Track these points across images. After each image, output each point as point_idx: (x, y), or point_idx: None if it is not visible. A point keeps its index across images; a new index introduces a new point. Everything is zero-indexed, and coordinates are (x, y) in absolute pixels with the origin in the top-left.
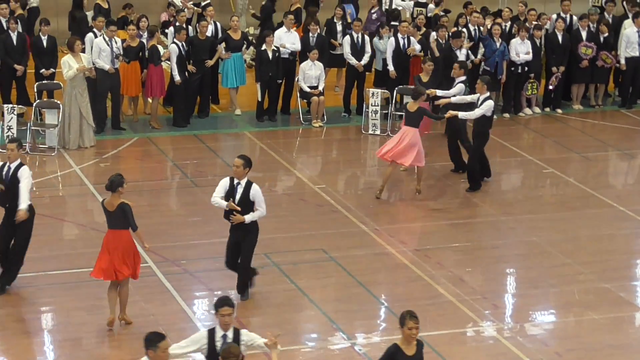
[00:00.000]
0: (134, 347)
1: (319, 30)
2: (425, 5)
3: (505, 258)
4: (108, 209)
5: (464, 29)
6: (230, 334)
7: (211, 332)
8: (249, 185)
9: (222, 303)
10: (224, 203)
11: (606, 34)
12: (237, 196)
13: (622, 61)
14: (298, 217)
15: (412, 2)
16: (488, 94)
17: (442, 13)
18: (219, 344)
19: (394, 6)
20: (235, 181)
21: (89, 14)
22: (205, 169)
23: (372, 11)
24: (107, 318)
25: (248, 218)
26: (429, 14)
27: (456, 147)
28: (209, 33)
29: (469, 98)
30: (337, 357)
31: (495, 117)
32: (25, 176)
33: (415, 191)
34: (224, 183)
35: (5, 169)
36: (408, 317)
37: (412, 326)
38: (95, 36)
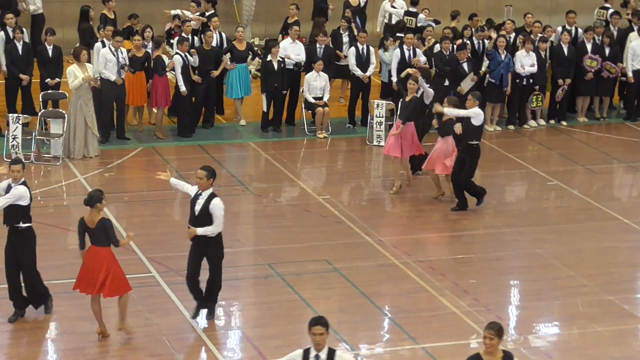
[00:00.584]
0: (137, 357)
1: (326, 42)
2: (415, 14)
3: (509, 270)
4: (89, 225)
5: (468, 41)
6: (323, 355)
7: (306, 352)
8: (210, 197)
9: (315, 322)
10: (183, 185)
11: (616, 55)
12: (198, 207)
13: (630, 74)
14: (302, 227)
15: (403, 11)
16: (477, 109)
17: (449, 27)
18: None
19: (393, 20)
20: (198, 192)
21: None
22: None
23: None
24: (98, 329)
25: (200, 231)
26: (419, 24)
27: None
28: (213, 43)
29: (463, 112)
30: None
31: (496, 129)
32: (11, 192)
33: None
34: (193, 190)
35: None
36: (486, 327)
37: (486, 335)
38: (104, 45)
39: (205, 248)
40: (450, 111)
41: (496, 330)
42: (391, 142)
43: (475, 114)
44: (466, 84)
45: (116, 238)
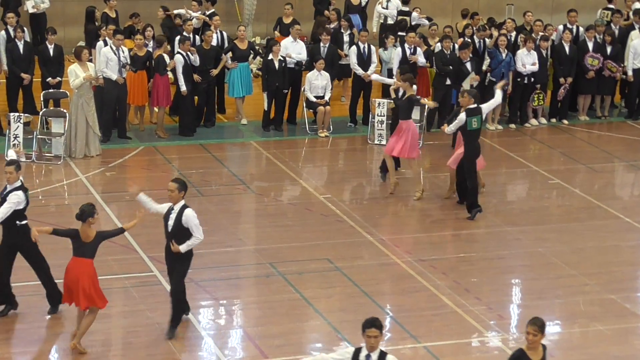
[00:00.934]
0: (140, 356)
1: (329, 41)
2: (408, 13)
3: (510, 269)
4: (83, 240)
5: (469, 40)
6: (374, 356)
7: (357, 351)
8: (182, 210)
9: (370, 324)
10: (150, 204)
11: (618, 54)
12: (171, 222)
13: (630, 72)
14: (303, 226)
15: (396, 11)
16: (474, 106)
17: (450, 25)
18: None
19: (389, 21)
20: (171, 206)
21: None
22: (211, 179)
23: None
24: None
25: (184, 248)
26: (413, 22)
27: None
28: (214, 42)
29: (454, 125)
30: None
31: (498, 127)
32: (10, 200)
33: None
34: (166, 207)
35: (4, 191)
36: (529, 323)
37: (530, 331)
38: (106, 44)
39: (176, 262)
40: (449, 130)
41: (539, 326)
42: (393, 144)
43: (459, 120)
44: (467, 84)
45: (118, 228)
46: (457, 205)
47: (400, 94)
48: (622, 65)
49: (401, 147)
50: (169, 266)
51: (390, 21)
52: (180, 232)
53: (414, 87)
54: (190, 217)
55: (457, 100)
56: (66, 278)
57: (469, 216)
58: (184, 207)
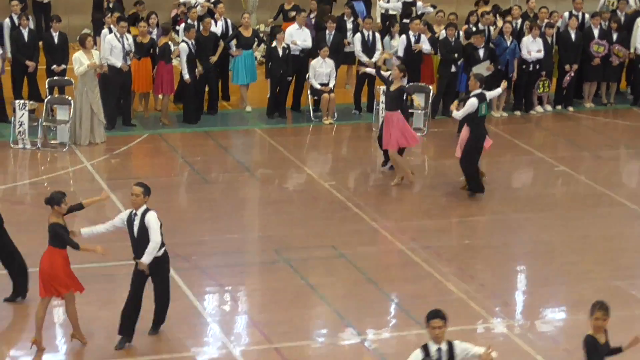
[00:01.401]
0: (145, 343)
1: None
2: (414, 3)
3: (515, 256)
4: (47, 223)
5: (474, 27)
6: (444, 347)
7: (425, 348)
8: (145, 213)
9: (433, 315)
10: (98, 228)
11: (624, 41)
12: (136, 229)
13: None
14: (308, 213)
15: (400, 3)
16: (480, 91)
17: (454, 13)
18: (434, 358)
19: (388, 10)
20: (132, 212)
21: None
22: (215, 166)
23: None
24: (32, 338)
25: (145, 259)
26: (419, 12)
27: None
28: (219, 30)
29: (462, 111)
30: (347, 353)
31: (503, 115)
32: None
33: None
34: (124, 215)
35: None
36: (597, 307)
37: (599, 317)
38: (110, 32)
39: (154, 267)
40: (457, 115)
41: (606, 309)
42: (388, 138)
43: (471, 105)
44: (479, 71)
45: (73, 242)
46: (462, 192)
47: (389, 77)
48: (629, 51)
49: (398, 137)
50: (139, 279)
51: (392, 12)
52: (147, 236)
53: (405, 79)
54: (151, 220)
55: (466, 86)
56: (39, 267)
57: (470, 194)
58: (147, 210)
